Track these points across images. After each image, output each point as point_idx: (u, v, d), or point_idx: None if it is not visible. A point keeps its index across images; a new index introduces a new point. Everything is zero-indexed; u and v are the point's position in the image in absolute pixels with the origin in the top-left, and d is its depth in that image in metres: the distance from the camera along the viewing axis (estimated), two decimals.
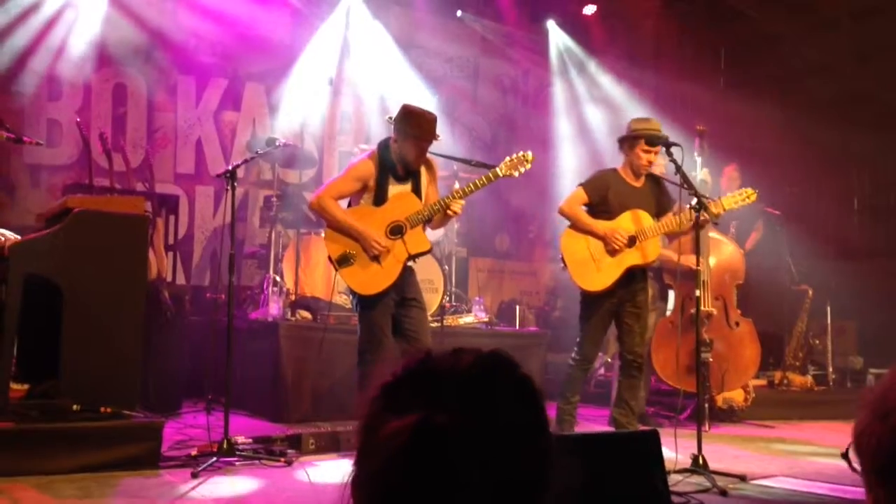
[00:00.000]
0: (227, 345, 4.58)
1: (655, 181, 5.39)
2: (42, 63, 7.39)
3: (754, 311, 6.92)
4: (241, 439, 4.68)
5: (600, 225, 5.20)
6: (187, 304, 6.51)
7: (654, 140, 5.13)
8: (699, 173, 6.32)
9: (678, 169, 4.78)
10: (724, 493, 4.15)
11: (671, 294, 6.61)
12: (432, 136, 4.74)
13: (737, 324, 6.57)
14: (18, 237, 4.48)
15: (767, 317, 7.43)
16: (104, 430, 4.21)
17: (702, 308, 5.35)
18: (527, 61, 10.30)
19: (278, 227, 6.94)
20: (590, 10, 9.87)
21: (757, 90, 9.28)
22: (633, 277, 5.22)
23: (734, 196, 5.16)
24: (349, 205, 4.91)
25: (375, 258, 4.69)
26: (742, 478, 4.44)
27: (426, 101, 8.27)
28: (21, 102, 7.33)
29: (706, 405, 6.22)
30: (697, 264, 5.11)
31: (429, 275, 6.76)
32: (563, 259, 5.31)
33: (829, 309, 7.78)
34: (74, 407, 4.20)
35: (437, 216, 4.84)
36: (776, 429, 6.59)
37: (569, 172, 9.34)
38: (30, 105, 7.41)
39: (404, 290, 4.80)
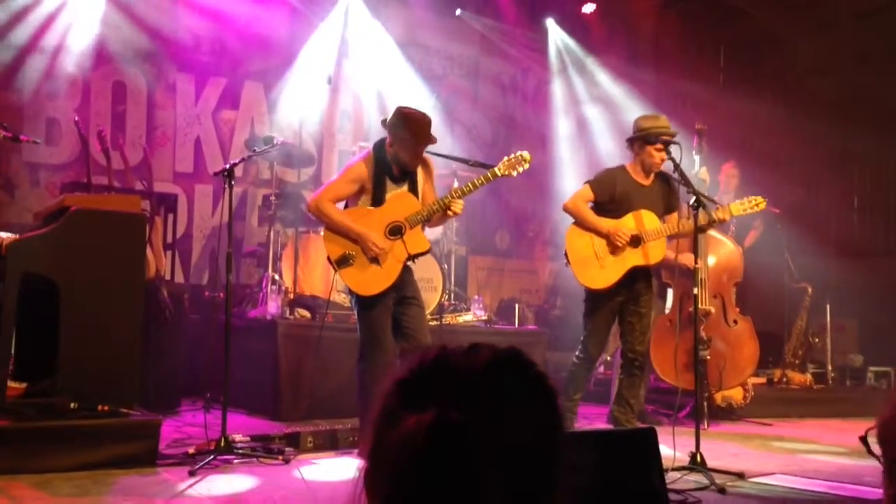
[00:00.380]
0: (226, 343, 4.58)
1: (665, 180, 5.34)
2: (41, 61, 7.39)
3: (754, 309, 6.92)
4: (238, 437, 4.69)
5: (604, 223, 5.19)
6: (186, 302, 6.51)
7: (655, 140, 5.10)
8: (697, 172, 6.32)
9: (676, 167, 4.78)
10: (722, 490, 4.15)
11: (669, 292, 6.60)
12: (427, 139, 4.72)
13: (735, 322, 6.56)
14: (16, 236, 4.47)
15: (767, 315, 7.43)
16: (102, 428, 4.20)
17: (700, 306, 5.34)
18: (526, 60, 10.30)
19: (277, 226, 6.94)
20: (589, 8, 9.87)
21: (757, 89, 9.28)
22: (637, 277, 5.21)
23: (743, 203, 5.14)
24: (346, 206, 4.91)
25: (374, 259, 4.69)
26: (740, 475, 4.44)
27: (425, 99, 8.28)
28: (20, 100, 7.33)
29: (705, 403, 6.22)
30: (696, 262, 5.11)
31: (428, 273, 6.76)
32: (566, 255, 5.31)
33: (828, 307, 7.78)
34: (72, 405, 4.20)
35: (436, 215, 4.84)
36: (775, 427, 6.58)
37: (568, 171, 9.35)
38: (29, 103, 7.41)
39: (403, 288, 4.80)
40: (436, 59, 9.56)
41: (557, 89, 10.19)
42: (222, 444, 4.36)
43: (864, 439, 1.19)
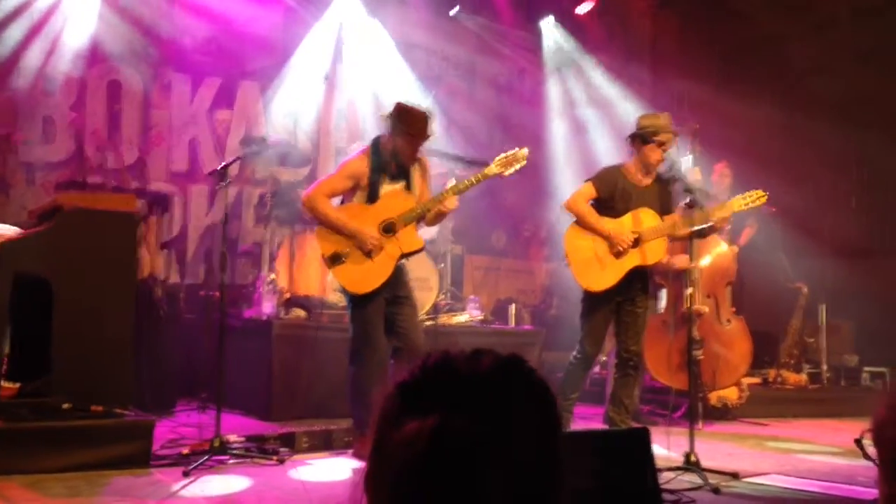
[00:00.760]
0: (219, 343, 4.57)
1: (663, 181, 5.31)
2: (36, 59, 7.37)
3: (749, 309, 6.92)
4: (233, 438, 4.67)
5: (607, 224, 5.12)
6: (181, 302, 6.51)
7: (654, 139, 5.08)
8: (690, 171, 6.31)
9: (672, 167, 4.78)
10: (716, 490, 4.15)
11: (663, 292, 6.60)
12: (426, 133, 4.73)
13: (728, 321, 6.56)
14: (17, 230, 4.46)
15: (762, 315, 7.43)
16: (95, 428, 4.20)
17: (693, 306, 5.33)
18: (522, 60, 10.29)
19: (272, 225, 6.92)
20: (584, 8, 9.86)
21: (753, 89, 9.29)
22: (635, 277, 5.18)
23: (744, 198, 5.09)
24: (342, 202, 4.90)
25: (368, 255, 4.68)
26: (735, 475, 4.44)
27: (421, 99, 8.28)
28: (15, 99, 7.31)
29: (700, 403, 6.22)
30: (691, 262, 5.11)
31: (423, 273, 6.75)
32: (566, 256, 5.27)
33: (824, 307, 7.79)
34: (65, 405, 4.19)
35: (431, 214, 4.83)
36: (770, 426, 6.59)
37: (564, 171, 9.34)
38: (24, 102, 7.39)
39: (396, 288, 4.79)
40: (432, 60, 9.55)
41: (553, 90, 10.19)
42: (216, 444, 4.35)
43: (858, 442, 1.19)
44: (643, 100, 9.42)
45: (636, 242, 5.10)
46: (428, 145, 4.88)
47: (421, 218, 4.82)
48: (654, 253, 5.13)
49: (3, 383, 4.36)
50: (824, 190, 8.95)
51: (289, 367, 6.02)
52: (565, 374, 5.32)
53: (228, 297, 5.76)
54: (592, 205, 5.23)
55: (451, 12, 9.50)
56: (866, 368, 7.97)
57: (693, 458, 4.40)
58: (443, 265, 7.31)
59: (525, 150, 4.92)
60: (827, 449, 5.62)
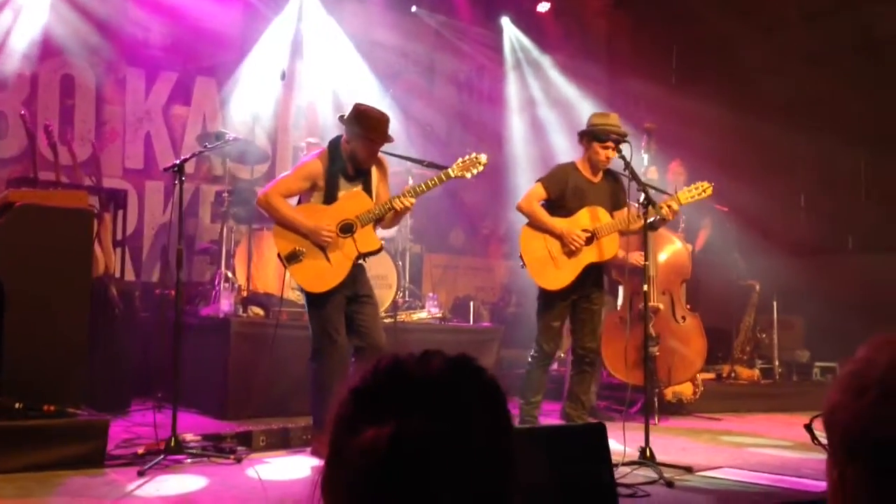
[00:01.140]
0: (175, 341, 4.53)
1: (613, 177, 5.39)
2: None
3: (703, 306, 7.03)
4: (189, 437, 4.63)
5: (558, 223, 5.19)
6: (137, 300, 6.42)
7: (605, 137, 5.15)
8: (646, 170, 6.40)
9: (627, 165, 4.84)
10: (670, 484, 4.22)
11: (620, 289, 6.68)
12: (384, 137, 4.72)
13: (683, 318, 6.66)
14: None
15: (716, 311, 7.56)
16: (48, 428, 4.13)
17: (649, 303, 5.40)
18: (482, 57, 10.33)
19: (230, 223, 6.87)
20: (543, 7, 9.93)
21: (707, 89, 9.42)
22: (590, 274, 5.24)
23: (689, 191, 5.19)
24: (299, 202, 4.88)
25: (325, 254, 4.66)
26: (688, 469, 4.52)
27: (380, 96, 8.26)
28: None
29: (655, 398, 6.32)
30: (646, 260, 5.18)
31: (382, 270, 6.75)
32: (521, 257, 5.31)
33: (775, 304, 7.94)
34: (17, 405, 4.11)
35: (389, 215, 4.83)
36: (724, 421, 6.71)
37: (523, 169, 9.39)
38: None
39: (356, 286, 4.79)
40: (391, 56, 9.54)
41: (512, 87, 10.24)
42: (172, 443, 4.31)
43: (808, 427, 1.22)
44: (600, 99, 9.52)
45: (590, 239, 5.16)
46: (386, 147, 4.86)
47: (379, 219, 4.82)
48: (608, 249, 5.21)
49: None
50: (776, 189, 9.10)
51: (246, 366, 5.98)
52: (525, 377, 5.34)
53: (185, 295, 5.71)
54: (546, 205, 5.28)
55: (412, 9, 9.50)
56: (817, 363, 8.14)
57: (648, 453, 4.47)
58: (401, 263, 7.32)
59: (484, 157, 4.94)
60: (778, 442, 5.74)
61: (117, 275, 6.43)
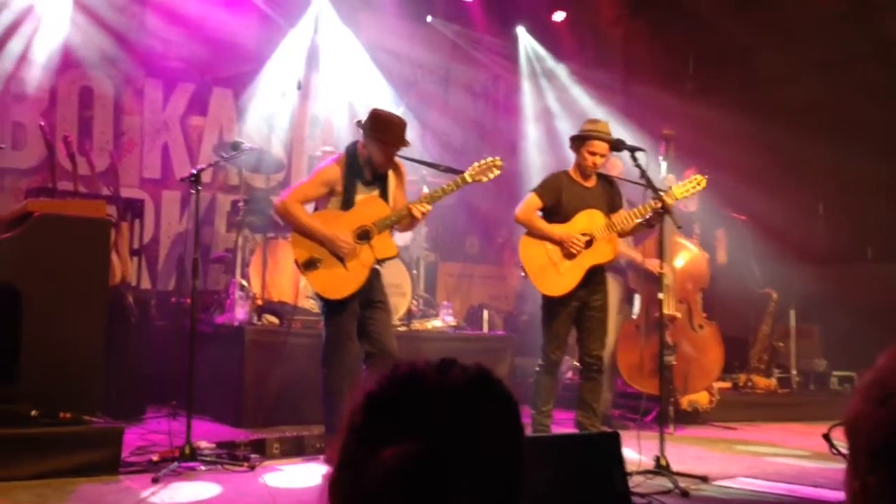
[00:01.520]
0: (190, 349, 4.55)
1: (607, 181, 5.41)
2: (6, 65, 7.30)
3: (720, 315, 7.00)
4: (203, 444, 4.65)
5: (556, 229, 5.18)
6: (153, 308, 6.46)
7: (589, 141, 5.17)
8: (664, 178, 6.37)
9: (643, 173, 4.82)
10: (685, 493, 4.19)
11: (636, 297, 6.66)
12: (401, 141, 4.74)
13: (700, 327, 6.64)
14: None
15: (732, 320, 7.52)
16: (64, 435, 4.17)
17: (666, 312, 5.38)
18: (497, 67, 10.35)
19: (245, 232, 6.91)
20: (559, 16, 9.94)
21: (724, 97, 9.39)
22: (592, 278, 5.22)
23: (684, 185, 5.18)
24: (315, 209, 4.90)
25: (342, 261, 4.68)
26: (704, 479, 4.49)
27: (395, 105, 8.29)
28: None
29: (671, 407, 6.28)
30: (661, 268, 5.16)
31: (397, 279, 6.76)
32: (522, 267, 5.30)
33: (793, 312, 7.88)
34: (33, 413, 4.16)
35: (405, 220, 4.85)
36: (740, 430, 6.66)
37: (539, 178, 9.36)
38: None
39: (371, 292, 4.80)
40: (406, 66, 9.58)
41: (527, 97, 10.25)
42: (187, 451, 4.33)
43: (827, 436, 1.22)
44: (615, 107, 9.51)
45: (590, 242, 5.15)
46: (402, 152, 4.89)
47: (396, 224, 4.83)
48: (609, 250, 5.20)
49: None
50: (793, 198, 9.05)
51: (260, 374, 6.00)
52: (534, 386, 5.32)
53: (200, 303, 5.74)
54: (542, 214, 5.29)
55: (427, 19, 9.54)
56: (835, 373, 8.07)
57: (663, 462, 4.45)
58: (416, 271, 7.33)
59: (500, 160, 4.96)
60: (795, 452, 5.69)
61: (133, 283, 6.49)
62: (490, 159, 4.95)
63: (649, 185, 4.86)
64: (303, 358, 5.87)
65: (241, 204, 6.90)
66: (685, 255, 6.72)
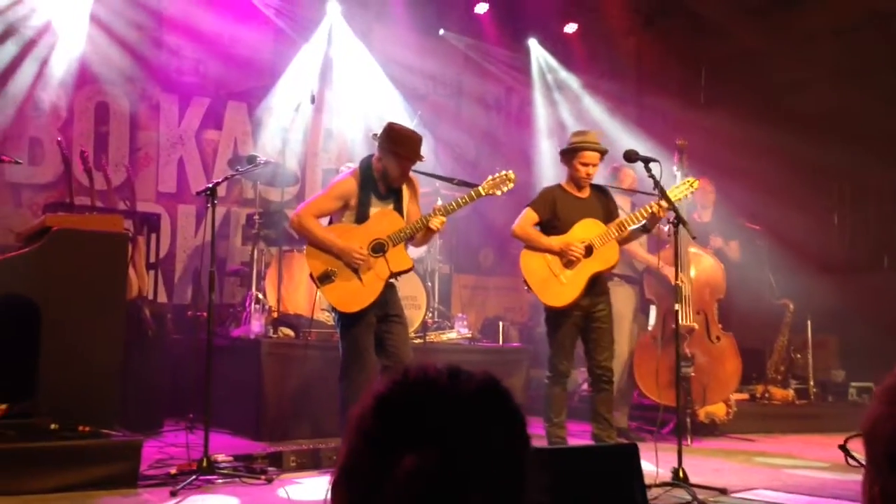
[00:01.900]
0: (207, 362, 4.57)
1: (601, 191, 5.44)
2: (24, 81, 7.38)
3: (736, 326, 6.96)
4: (221, 457, 4.66)
5: (555, 240, 5.19)
6: (169, 322, 6.50)
7: (579, 152, 5.18)
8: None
9: (656, 184, 4.82)
10: None
11: (652, 309, 6.64)
12: (416, 155, 4.76)
13: (718, 338, 6.61)
14: None
15: (749, 331, 7.47)
16: (82, 449, 4.18)
17: (683, 323, 5.37)
18: (509, 79, 10.37)
19: (260, 245, 6.94)
20: (571, 28, 9.96)
21: (737, 106, 9.37)
22: (594, 287, 5.21)
23: (677, 187, 5.20)
24: (330, 222, 4.92)
25: (357, 275, 4.69)
26: (723, 491, 4.46)
27: (408, 118, 8.32)
28: (3, 120, 7.31)
29: (688, 419, 6.25)
30: (677, 279, 5.15)
31: (412, 291, 6.78)
32: (525, 282, 5.30)
33: (809, 323, 7.83)
34: (52, 426, 4.18)
35: (420, 234, 4.86)
36: (757, 442, 6.61)
37: None
38: (12, 123, 7.38)
39: (387, 306, 4.81)
40: (419, 79, 9.61)
41: (540, 109, 10.26)
42: (204, 464, 4.34)
43: (843, 447, 1.21)
44: (628, 118, 9.51)
45: (590, 251, 5.15)
46: (416, 166, 4.91)
47: (410, 238, 4.85)
48: (609, 257, 5.20)
49: None
50: (808, 207, 9.02)
51: (277, 386, 6.01)
52: (545, 398, 5.30)
53: (216, 316, 5.76)
54: (539, 228, 5.30)
55: (440, 32, 9.58)
56: (853, 383, 7.99)
57: (681, 474, 4.42)
58: (430, 283, 7.34)
59: (513, 174, 4.98)
60: (814, 464, 5.65)
61: (150, 297, 6.53)
62: (503, 173, 4.97)
63: (663, 195, 4.87)
64: (319, 370, 5.89)
65: (256, 217, 6.94)
66: (701, 265, 6.70)
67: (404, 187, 4.89)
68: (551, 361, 5.27)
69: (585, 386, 7.46)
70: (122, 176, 7.35)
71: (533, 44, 10.21)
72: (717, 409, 6.69)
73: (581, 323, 5.21)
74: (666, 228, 5.26)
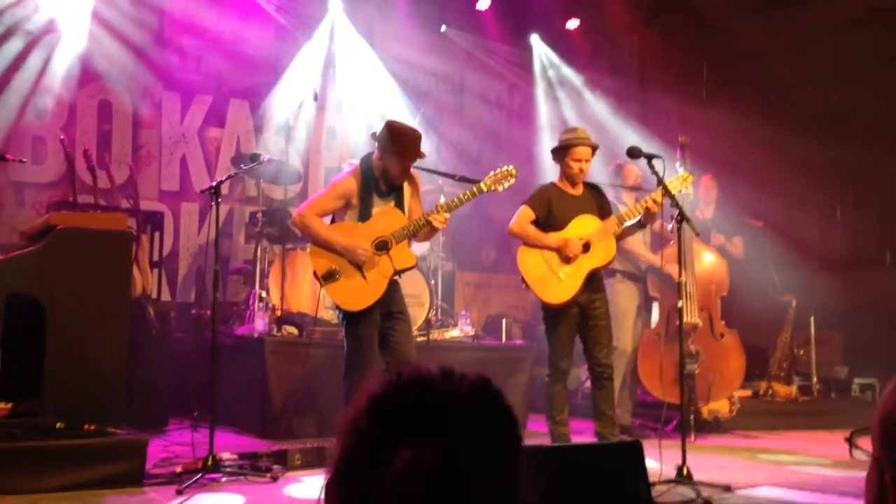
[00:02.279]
0: (212, 361, 4.57)
1: (594, 188, 5.45)
2: (26, 80, 7.39)
3: (738, 322, 6.96)
4: (226, 455, 4.67)
5: (552, 237, 5.20)
6: (173, 320, 6.51)
7: (570, 148, 5.18)
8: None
9: (659, 181, 4.82)
10: (708, 503, 4.17)
11: (655, 305, 6.64)
12: (416, 153, 4.77)
13: (722, 335, 6.61)
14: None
15: (752, 328, 7.47)
16: (88, 447, 4.19)
17: (687, 320, 5.37)
18: (511, 76, 10.36)
19: (264, 243, 6.95)
20: (573, 24, 9.95)
21: (740, 103, 9.36)
22: (591, 283, 5.22)
23: (671, 182, 5.19)
24: (332, 221, 4.93)
25: (361, 273, 4.70)
26: (727, 488, 4.46)
27: (410, 116, 8.32)
28: (5, 119, 7.31)
29: (692, 416, 6.25)
30: (680, 275, 5.15)
31: (415, 289, 6.77)
32: (523, 279, 5.30)
33: (812, 319, 7.83)
34: (58, 425, 4.19)
35: (423, 230, 4.86)
36: (761, 439, 6.62)
37: None
38: (14, 122, 7.39)
39: (390, 304, 4.81)
40: (421, 76, 9.61)
41: (542, 105, 10.25)
42: (210, 462, 4.35)
43: (849, 440, 1.22)
44: (630, 114, 9.49)
45: (588, 247, 5.15)
46: (417, 163, 4.91)
47: (413, 235, 4.85)
48: (606, 253, 5.20)
49: None
50: (811, 203, 9.01)
51: (281, 384, 6.02)
52: (546, 397, 5.30)
53: (220, 314, 5.77)
54: (535, 225, 5.30)
55: (441, 29, 9.57)
56: (856, 380, 8.00)
57: (685, 471, 4.43)
58: (433, 281, 7.34)
59: (514, 170, 4.98)
60: (818, 460, 5.65)
61: (154, 296, 6.54)
62: (505, 168, 4.97)
63: (666, 192, 4.87)
64: (323, 368, 5.90)
65: (259, 215, 6.94)
66: (705, 262, 6.70)
67: (405, 184, 4.90)
68: (551, 359, 5.28)
69: (589, 383, 7.48)
70: (125, 174, 7.34)
71: (535, 40, 10.20)
72: (721, 406, 6.69)
73: (579, 320, 5.21)
74: (670, 227, 5.26)
